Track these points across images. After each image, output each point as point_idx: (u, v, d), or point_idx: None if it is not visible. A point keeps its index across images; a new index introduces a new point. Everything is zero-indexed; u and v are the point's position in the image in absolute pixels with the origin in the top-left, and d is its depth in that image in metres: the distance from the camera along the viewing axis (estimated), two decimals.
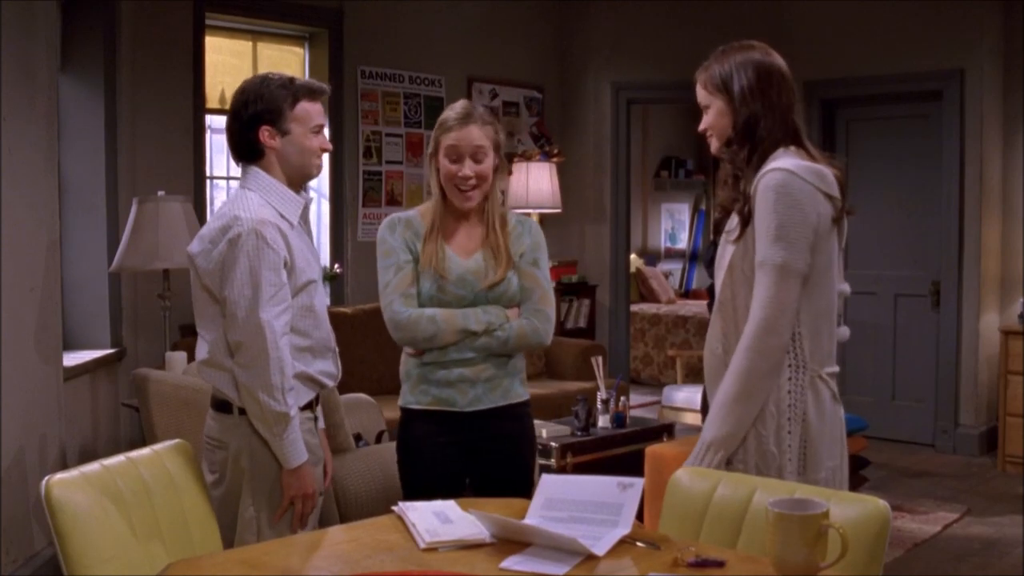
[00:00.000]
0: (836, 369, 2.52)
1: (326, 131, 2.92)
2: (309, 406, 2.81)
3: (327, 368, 2.86)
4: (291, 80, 2.79)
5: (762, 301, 2.39)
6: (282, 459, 2.67)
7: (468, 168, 2.91)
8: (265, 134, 2.74)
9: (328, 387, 2.91)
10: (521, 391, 3.01)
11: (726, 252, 2.49)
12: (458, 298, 2.91)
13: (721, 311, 2.48)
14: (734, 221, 2.48)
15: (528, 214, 7.22)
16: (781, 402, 2.41)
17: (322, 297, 2.86)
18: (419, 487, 2.88)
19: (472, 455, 2.96)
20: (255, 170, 2.78)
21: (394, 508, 2.31)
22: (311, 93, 2.79)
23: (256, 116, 2.73)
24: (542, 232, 3.06)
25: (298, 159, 2.79)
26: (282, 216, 2.75)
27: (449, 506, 2.31)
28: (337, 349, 2.92)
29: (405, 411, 2.98)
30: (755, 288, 2.41)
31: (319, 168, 2.90)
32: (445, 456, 2.94)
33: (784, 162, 2.43)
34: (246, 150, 2.78)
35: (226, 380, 2.71)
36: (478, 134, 2.93)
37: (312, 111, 2.79)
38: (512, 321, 2.92)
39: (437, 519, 2.21)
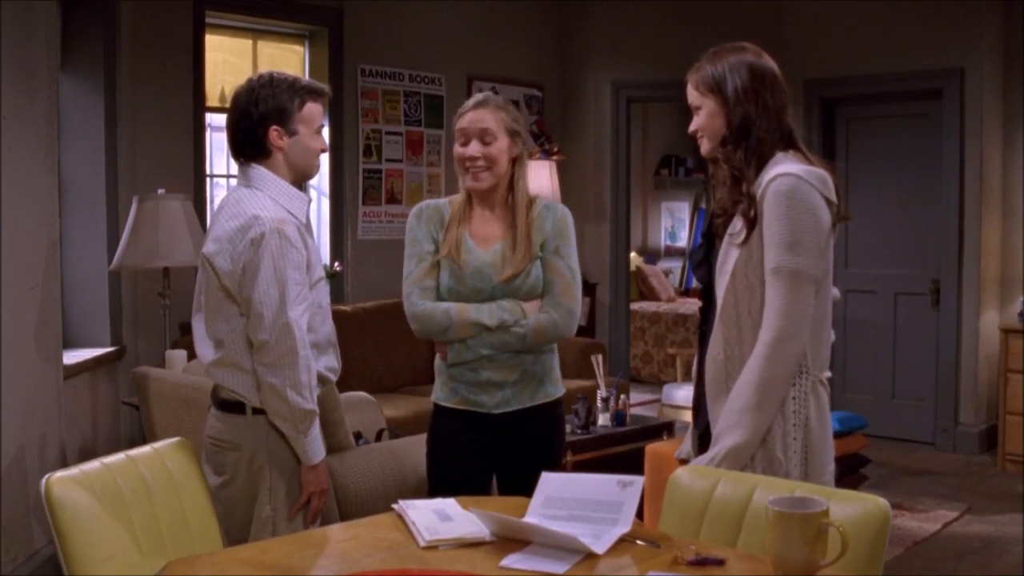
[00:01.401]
0: (830, 374, 2.52)
1: (324, 131, 2.96)
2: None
3: (330, 363, 2.90)
4: (296, 80, 2.81)
5: (779, 309, 2.37)
6: (304, 456, 2.72)
7: (474, 148, 2.92)
8: (274, 134, 2.76)
9: (331, 382, 2.94)
10: (552, 390, 3.01)
11: (729, 256, 2.46)
12: (474, 291, 2.91)
13: (723, 317, 2.46)
14: (738, 224, 2.45)
15: None
16: (786, 408, 2.41)
17: (327, 292, 2.92)
18: (445, 481, 2.91)
19: (501, 454, 2.97)
20: (260, 169, 2.78)
21: (394, 506, 2.31)
22: (315, 94, 2.82)
23: (266, 115, 2.75)
24: (570, 217, 3.02)
25: (303, 159, 2.82)
26: (292, 214, 2.76)
27: (449, 504, 2.31)
28: (337, 343, 2.95)
29: (436, 406, 3.02)
30: (769, 296, 2.39)
31: (318, 168, 2.94)
32: (473, 454, 2.96)
33: (791, 167, 2.42)
34: (252, 149, 2.78)
35: (241, 380, 2.72)
36: (485, 116, 2.93)
37: (316, 112, 2.83)
38: (529, 316, 2.90)
39: (437, 517, 2.21)
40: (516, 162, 2.98)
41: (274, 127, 2.75)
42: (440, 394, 3.00)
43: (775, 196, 2.39)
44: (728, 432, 2.41)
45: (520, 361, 2.93)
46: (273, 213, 2.70)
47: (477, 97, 3.01)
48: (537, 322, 2.90)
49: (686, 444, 2.75)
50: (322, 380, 2.84)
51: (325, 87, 2.88)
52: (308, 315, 2.72)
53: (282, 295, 2.64)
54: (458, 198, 3.02)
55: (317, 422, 2.73)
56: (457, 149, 2.97)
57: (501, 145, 2.93)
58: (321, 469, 2.77)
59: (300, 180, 2.87)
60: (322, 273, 2.87)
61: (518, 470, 2.92)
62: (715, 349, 2.48)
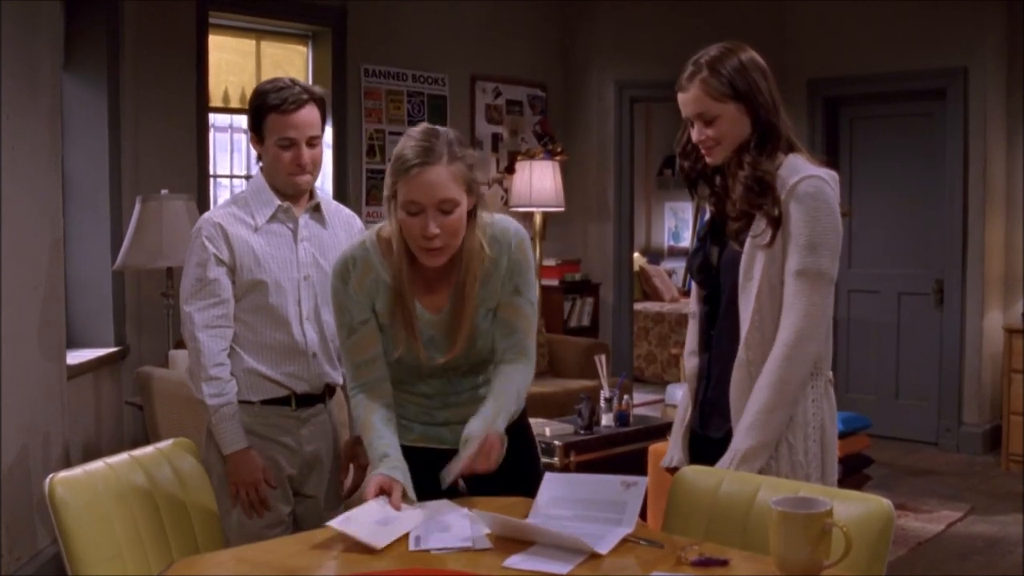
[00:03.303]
0: (832, 374, 2.52)
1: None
2: (285, 403, 2.82)
3: (298, 371, 2.83)
4: (271, 89, 2.77)
5: (802, 310, 2.37)
6: (219, 444, 2.78)
7: (433, 224, 2.31)
8: (252, 139, 2.84)
9: (301, 391, 2.84)
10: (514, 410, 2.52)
11: (756, 260, 2.42)
12: (429, 358, 2.47)
13: (752, 322, 2.43)
14: (761, 225, 2.42)
15: (532, 213, 7.24)
16: (807, 411, 2.41)
17: (290, 298, 2.80)
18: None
19: (470, 479, 2.53)
20: (256, 169, 2.90)
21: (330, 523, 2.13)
22: (277, 107, 2.73)
23: (249, 121, 2.83)
24: (526, 241, 2.50)
25: (270, 169, 2.83)
26: (252, 216, 2.80)
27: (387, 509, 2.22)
28: (315, 353, 2.84)
29: None
30: (791, 297, 2.39)
31: (295, 184, 2.81)
32: (436, 489, 2.39)
33: (812, 168, 2.42)
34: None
35: None
36: (441, 179, 2.30)
37: (282, 123, 2.74)
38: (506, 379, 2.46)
39: (378, 524, 2.14)
40: (472, 213, 2.41)
41: (251, 132, 2.83)
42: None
43: (803, 198, 2.38)
44: (744, 435, 2.40)
45: (479, 397, 2.51)
46: (213, 213, 2.83)
47: (418, 141, 2.34)
48: (524, 384, 2.47)
49: (675, 451, 2.67)
50: (286, 387, 2.82)
51: (297, 98, 2.73)
52: (220, 312, 2.77)
53: (184, 288, 2.80)
54: (388, 242, 2.43)
55: (225, 413, 2.73)
56: (407, 220, 2.33)
57: (462, 208, 2.35)
58: (240, 460, 2.75)
59: (281, 189, 2.82)
60: (266, 277, 2.77)
61: (491, 486, 2.47)
62: (741, 353, 2.45)
